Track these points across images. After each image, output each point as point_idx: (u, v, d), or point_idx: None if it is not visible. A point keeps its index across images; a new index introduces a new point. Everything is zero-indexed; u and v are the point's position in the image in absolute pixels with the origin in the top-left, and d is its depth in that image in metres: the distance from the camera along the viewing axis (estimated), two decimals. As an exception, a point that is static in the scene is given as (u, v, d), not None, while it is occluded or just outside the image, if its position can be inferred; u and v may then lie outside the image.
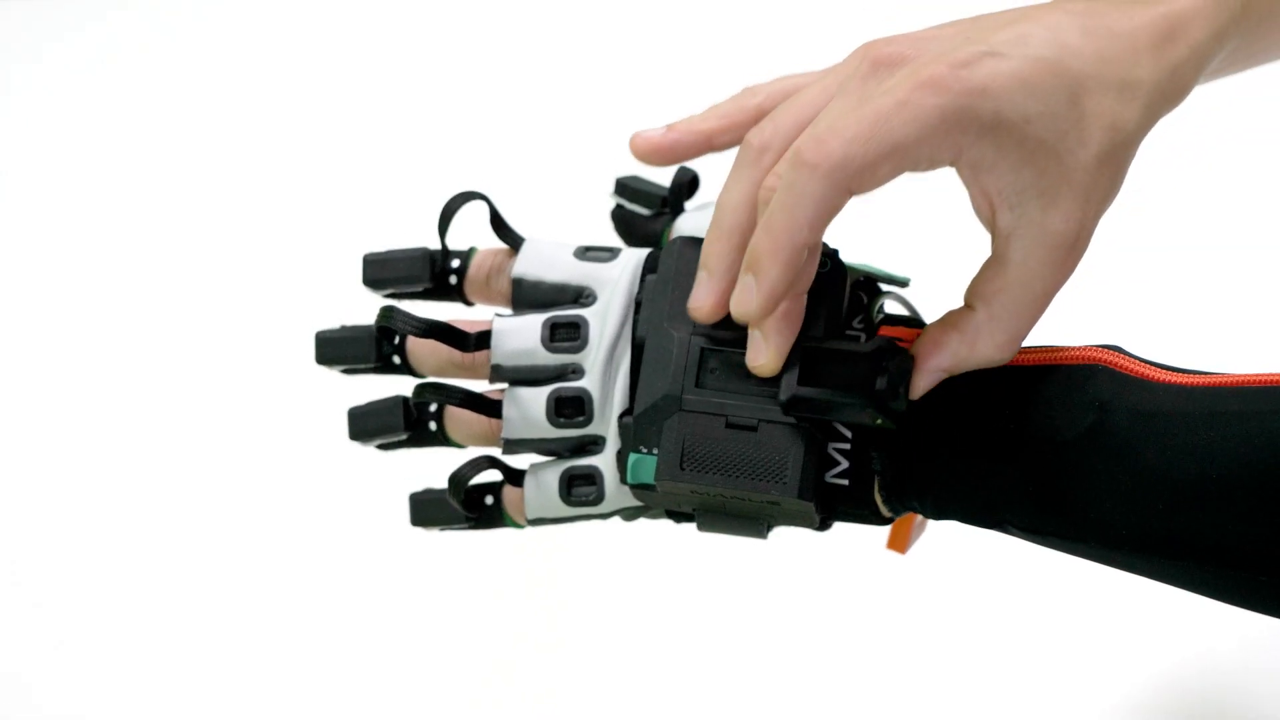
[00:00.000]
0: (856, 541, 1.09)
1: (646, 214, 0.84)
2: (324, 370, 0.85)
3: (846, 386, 0.75)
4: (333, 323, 0.84)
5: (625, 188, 0.84)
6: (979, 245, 0.75)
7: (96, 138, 1.58)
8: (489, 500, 0.85)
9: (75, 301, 1.46)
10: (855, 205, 0.72)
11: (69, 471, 1.34)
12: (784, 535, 0.83)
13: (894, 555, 0.85)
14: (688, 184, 0.83)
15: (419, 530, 0.86)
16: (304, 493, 1.30)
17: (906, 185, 0.77)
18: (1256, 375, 0.74)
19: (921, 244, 1.03)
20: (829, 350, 0.76)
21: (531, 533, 1.04)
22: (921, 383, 0.75)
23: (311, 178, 1.52)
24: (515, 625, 1.21)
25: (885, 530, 0.82)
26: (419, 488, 0.86)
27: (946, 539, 0.86)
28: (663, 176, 0.84)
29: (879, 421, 0.75)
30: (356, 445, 0.85)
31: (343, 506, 1.28)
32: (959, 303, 0.76)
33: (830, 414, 0.76)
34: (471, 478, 0.83)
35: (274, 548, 1.27)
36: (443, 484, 0.84)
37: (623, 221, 0.84)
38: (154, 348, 1.41)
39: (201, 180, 1.54)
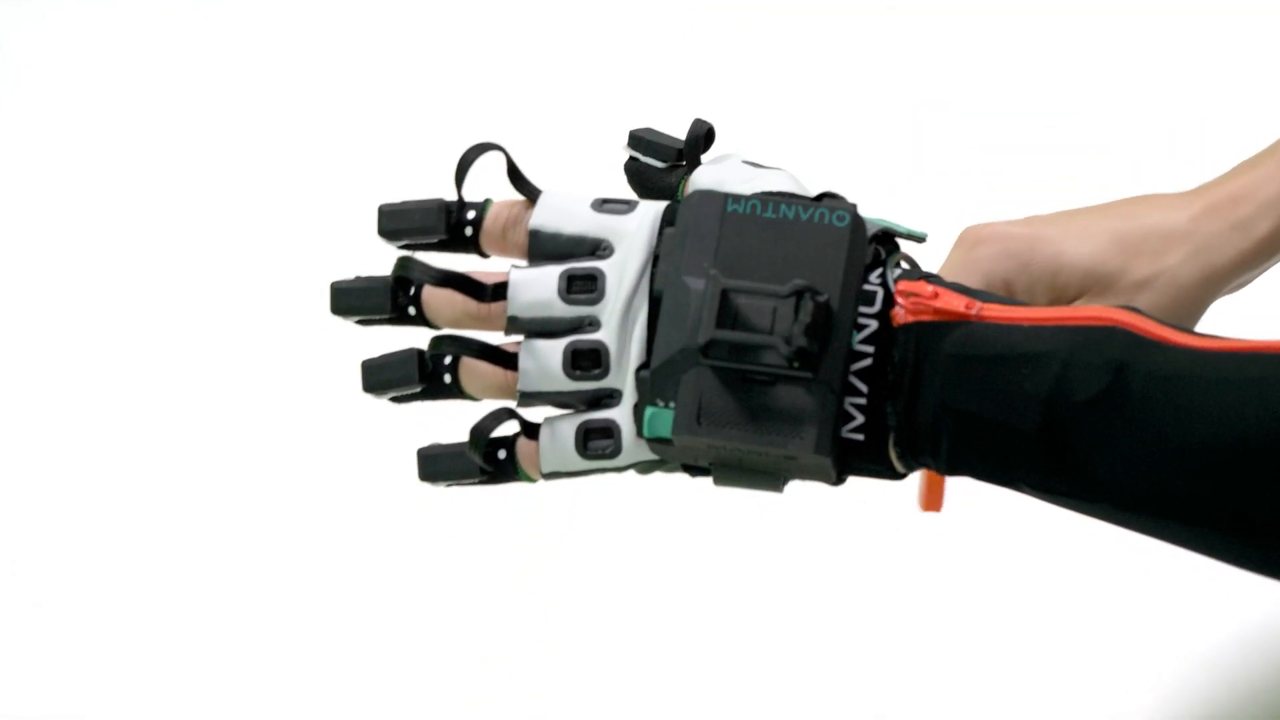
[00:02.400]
0: (852, 537, 1.10)
1: (661, 167, 0.83)
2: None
3: (763, 328, 0.76)
4: (348, 274, 0.84)
5: (639, 140, 0.84)
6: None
7: (97, 106, 1.58)
8: (501, 454, 0.84)
9: (71, 286, 1.45)
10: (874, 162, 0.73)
11: (71, 445, 1.33)
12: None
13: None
14: (704, 136, 0.83)
15: (426, 486, 0.85)
16: (297, 486, 1.29)
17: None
18: (1275, 342, 0.74)
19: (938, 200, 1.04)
20: (747, 291, 0.76)
21: (525, 529, 1.04)
22: None
23: (323, 134, 1.52)
24: (509, 622, 1.20)
25: (913, 509, 0.83)
26: (426, 443, 0.85)
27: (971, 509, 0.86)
28: (676, 129, 0.83)
29: (795, 365, 0.76)
30: (369, 399, 0.85)
31: (338, 503, 1.28)
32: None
33: (746, 357, 0.76)
34: (493, 430, 0.82)
35: (267, 543, 1.26)
36: (448, 439, 0.84)
37: (636, 175, 0.83)
38: (152, 312, 1.41)
39: (211, 137, 1.54)
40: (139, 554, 1.27)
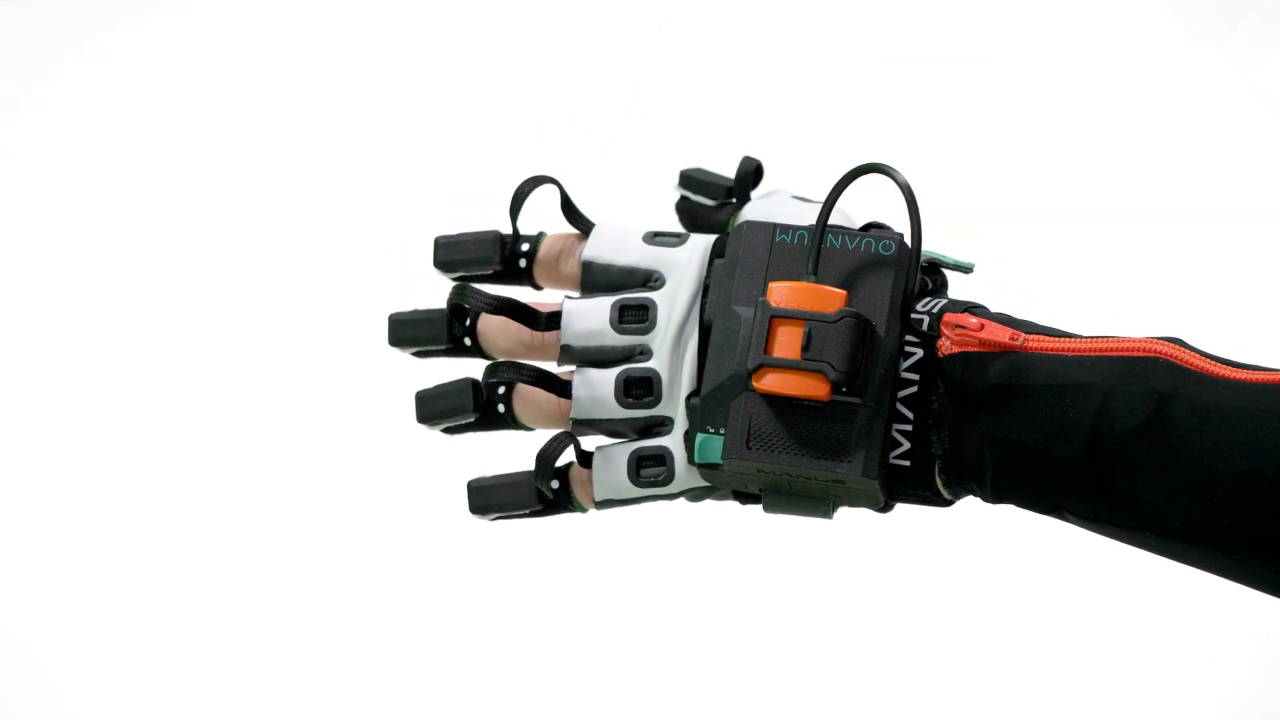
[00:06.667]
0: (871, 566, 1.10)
1: (711, 204, 0.85)
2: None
3: (812, 354, 0.77)
4: (404, 306, 0.86)
5: (689, 179, 0.85)
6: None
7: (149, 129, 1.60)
8: (555, 484, 0.85)
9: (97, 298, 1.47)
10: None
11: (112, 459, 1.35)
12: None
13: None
14: (753, 173, 0.85)
15: (475, 518, 0.86)
16: (300, 499, 1.30)
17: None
18: None
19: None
20: (796, 318, 0.77)
21: (529, 548, 1.04)
22: None
23: (375, 166, 1.53)
24: (510, 632, 1.21)
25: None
26: (475, 475, 0.86)
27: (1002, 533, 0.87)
28: (727, 167, 0.85)
29: (842, 390, 0.77)
30: (422, 429, 0.86)
31: (342, 511, 1.29)
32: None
33: (790, 389, 0.77)
34: (558, 456, 0.83)
35: (266, 553, 1.27)
36: (489, 474, 0.85)
37: (687, 213, 0.85)
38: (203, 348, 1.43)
39: (261, 167, 1.55)
40: (185, 573, 1.28)
